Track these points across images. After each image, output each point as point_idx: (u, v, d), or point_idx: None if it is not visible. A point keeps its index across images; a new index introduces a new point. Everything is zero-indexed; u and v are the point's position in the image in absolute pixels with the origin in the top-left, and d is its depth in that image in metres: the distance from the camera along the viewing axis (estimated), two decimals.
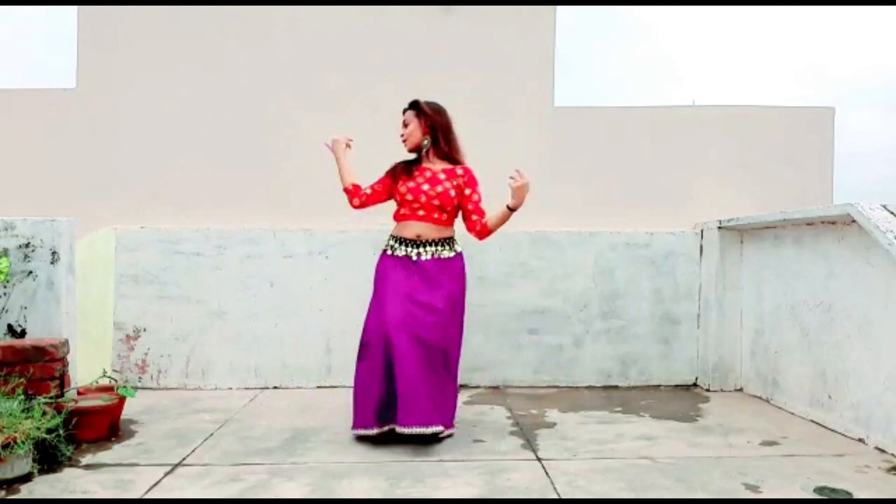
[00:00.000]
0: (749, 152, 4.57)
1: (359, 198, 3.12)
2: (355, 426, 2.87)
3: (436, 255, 2.99)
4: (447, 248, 3.02)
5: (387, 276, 2.96)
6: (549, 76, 4.50)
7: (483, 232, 3.07)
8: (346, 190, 3.13)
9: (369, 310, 2.96)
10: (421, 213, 3.01)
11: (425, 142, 3.08)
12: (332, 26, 4.47)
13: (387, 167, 3.17)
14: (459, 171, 3.07)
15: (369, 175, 3.15)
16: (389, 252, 3.03)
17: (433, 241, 3.01)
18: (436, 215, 3.01)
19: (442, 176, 3.03)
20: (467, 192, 3.06)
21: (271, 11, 4.45)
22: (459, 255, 3.08)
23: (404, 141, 3.11)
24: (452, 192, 3.01)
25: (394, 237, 3.06)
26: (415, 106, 3.10)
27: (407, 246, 3.00)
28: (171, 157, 4.42)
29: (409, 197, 3.01)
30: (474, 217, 3.07)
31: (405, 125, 3.11)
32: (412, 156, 3.15)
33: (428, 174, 3.04)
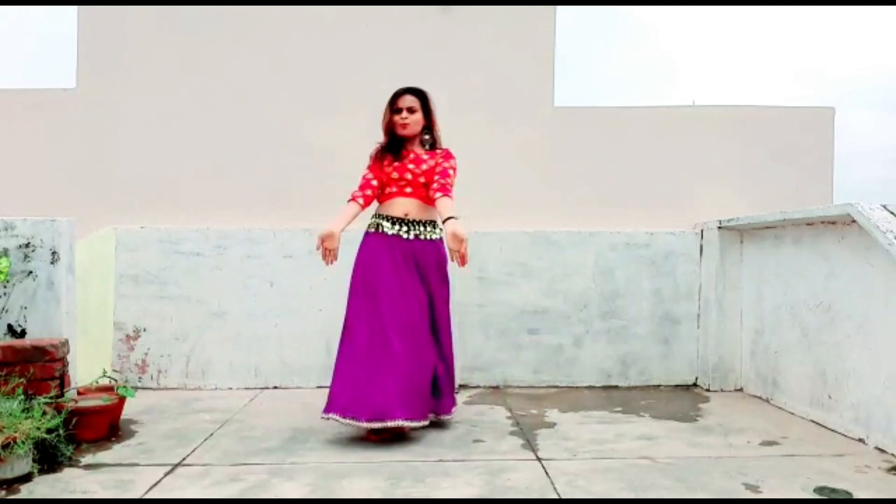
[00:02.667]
0: (749, 152, 4.57)
1: (366, 199, 3.05)
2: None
3: (421, 237, 3.02)
4: (433, 229, 3.07)
5: (378, 267, 2.95)
6: (549, 76, 4.50)
7: (432, 200, 3.00)
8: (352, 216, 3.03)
9: (357, 298, 2.97)
10: (408, 189, 3.02)
11: (426, 136, 3.11)
12: (331, 26, 4.46)
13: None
14: (439, 151, 3.11)
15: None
16: (375, 230, 3.02)
17: (420, 221, 3.03)
18: (422, 192, 3.03)
19: (425, 156, 3.07)
20: (441, 161, 3.04)
21: (271, 12, 4.45)
22: (441, 240, 3.08)
23: (404, 126, 3.04)
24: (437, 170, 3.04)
25: (380, 215, 3.05)
26: (421, 97, 3.08)
27: (395, 224, 3.01)
28: (171, 157, 4.41)
29: (395, 175, 3.02)
30: (436, 185, 2.96)
31: (411, 111, 3.04)
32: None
33: (412, 156, 3.06)
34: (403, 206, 3.02)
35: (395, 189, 3.04)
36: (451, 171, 3.02)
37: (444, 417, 3.13)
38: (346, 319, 3.01)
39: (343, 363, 2.92)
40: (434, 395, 3.00)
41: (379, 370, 2.82)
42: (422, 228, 3.04)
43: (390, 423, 2.75)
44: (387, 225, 3.01)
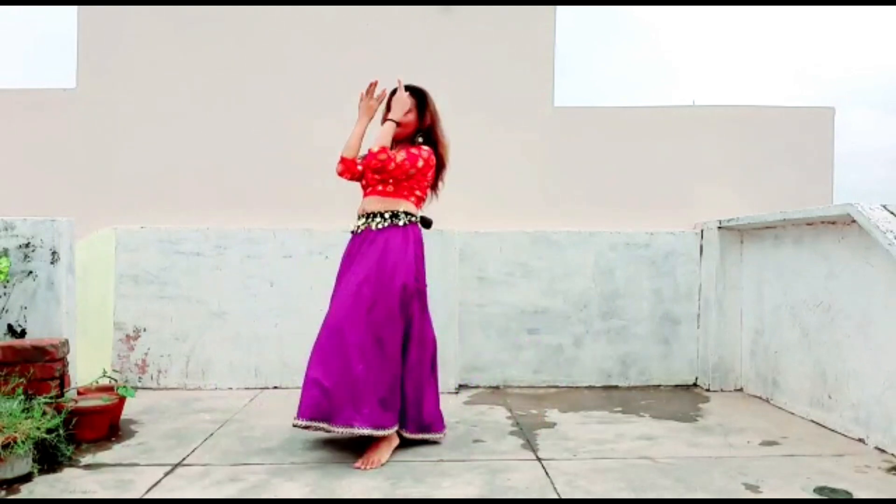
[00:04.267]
0: (749, 152, 4.57)
1: (352, 173, 2.93)
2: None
3: (378, 227, 2.83)
4: (392, 218, 2.84)
5: (342, 263, 2.94)
6: (549, 76, 4.50)
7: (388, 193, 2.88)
8: (346, 160, 2.91)
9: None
10: (368, 188, 2.93)
11: (419, 139, 2.93)
12: (331, 26, 4.47)
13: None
14: (413, 149, 2.88)
15: None
16: (351, 231, 2.96)
17: (378, 213, 2.86)
18: (380, 187, 2.87)
19: (392, 152, 2.84)
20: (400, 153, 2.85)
21: (271, 11, 4.46)
22: (406, 228, 2.86)
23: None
24: (392, 164, 2.80)
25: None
26: (419, 96, 2.93)
27: (358, 220, 2.91)
28: (170, 157, 4.42)
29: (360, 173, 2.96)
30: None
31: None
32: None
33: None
34: (363, 204, 2.92)
35: (364, 193, 2.96)
36: (397, 160, 2.80)
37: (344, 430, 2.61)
38: None
39: None
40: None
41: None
42: (380, 219, 2.85)
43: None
44: (356, 223, 2.93)
